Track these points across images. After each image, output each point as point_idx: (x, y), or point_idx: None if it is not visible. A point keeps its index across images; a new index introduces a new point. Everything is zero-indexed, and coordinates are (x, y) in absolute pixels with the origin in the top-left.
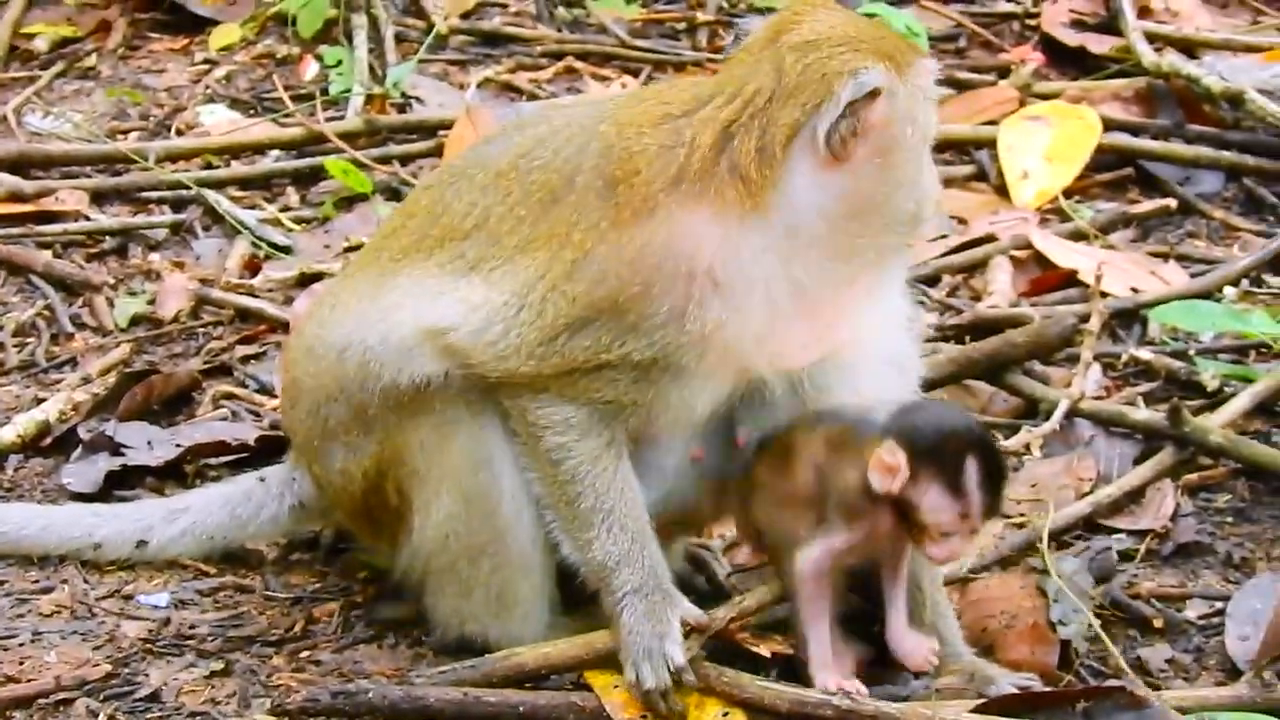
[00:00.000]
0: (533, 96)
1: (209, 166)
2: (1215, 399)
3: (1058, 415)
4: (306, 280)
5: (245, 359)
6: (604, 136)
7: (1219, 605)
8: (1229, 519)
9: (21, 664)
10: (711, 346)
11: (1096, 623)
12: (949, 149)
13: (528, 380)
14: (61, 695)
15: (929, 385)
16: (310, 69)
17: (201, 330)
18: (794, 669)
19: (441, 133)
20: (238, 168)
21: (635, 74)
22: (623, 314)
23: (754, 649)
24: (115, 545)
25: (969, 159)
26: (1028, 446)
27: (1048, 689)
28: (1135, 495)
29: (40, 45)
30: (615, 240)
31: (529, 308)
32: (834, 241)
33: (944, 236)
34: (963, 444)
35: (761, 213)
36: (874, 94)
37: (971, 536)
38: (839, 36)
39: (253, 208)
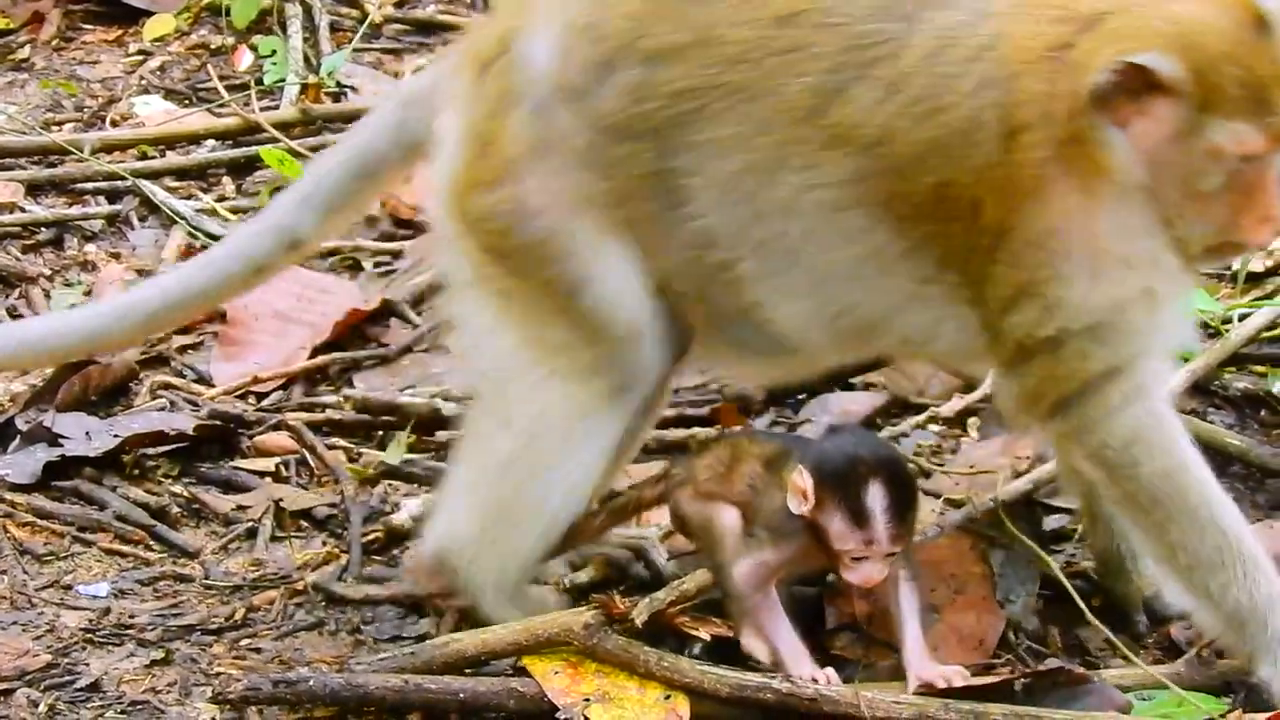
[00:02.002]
0: None
1: (144, 157)
2: None
3: (989, 382)
4: None
5: (182, 349)
6: None
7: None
8: None
9: None
10: None
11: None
12: None
13: None
14: (1, 685)
15: (859, 368)
16: (245, 59)
17: None
18: (732, 653)
19: None
20: (173, 158)
21: None
22: None
23: (693, 633)
24: None
25: None
26: (965, 425)
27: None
28: None
29: None
30: None
31: None
32: None
33: None
34: (867, 470)
35: None
36: None
37: (885, 561)
38: None
39: (189, 198)
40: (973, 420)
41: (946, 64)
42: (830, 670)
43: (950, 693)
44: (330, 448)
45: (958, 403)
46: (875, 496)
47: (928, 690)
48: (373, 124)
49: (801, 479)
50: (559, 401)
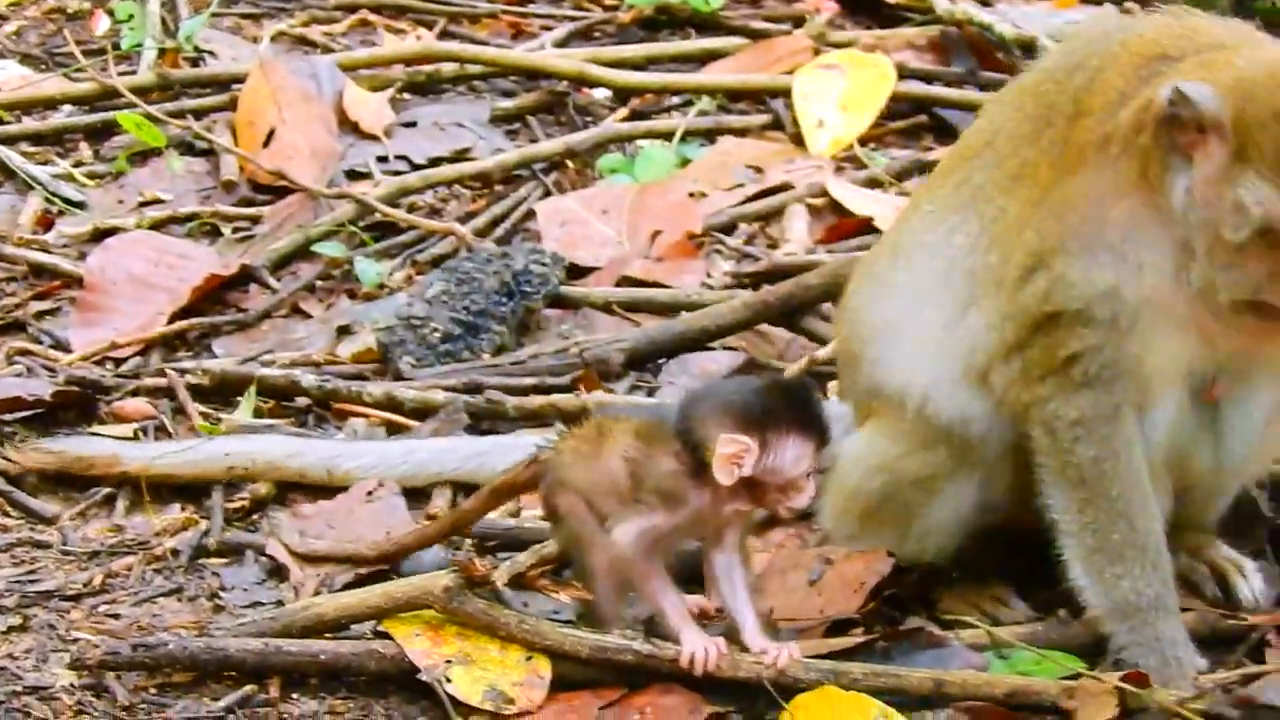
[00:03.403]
0: (326, 50)
1: (0, 123)
2: None
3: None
4: (100, 235)
5: (40, 315)
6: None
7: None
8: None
9: None
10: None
11: None
12: (744, 98)
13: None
14: None
15: (724, 330)
16: (102, 23)
17: None
18: (590, 616)
19: (235, 86)
20: (29, 123)
21: (430, 26)
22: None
23: (554, 595)
24: None
25: (765, 108)
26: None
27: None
28: None
29: None
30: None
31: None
32: None
33: (740, 186)
34: (778, 392)
35: None
36: None
37: (819, 469)
38: None
39: (45, 163)
40: (832, 384)
41: (1076, 58)
42: (722, 640)
43: (809, 651)
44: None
45: (808, 364)
46: (802, 405)
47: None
48: None
49: (734, 444)
50: None
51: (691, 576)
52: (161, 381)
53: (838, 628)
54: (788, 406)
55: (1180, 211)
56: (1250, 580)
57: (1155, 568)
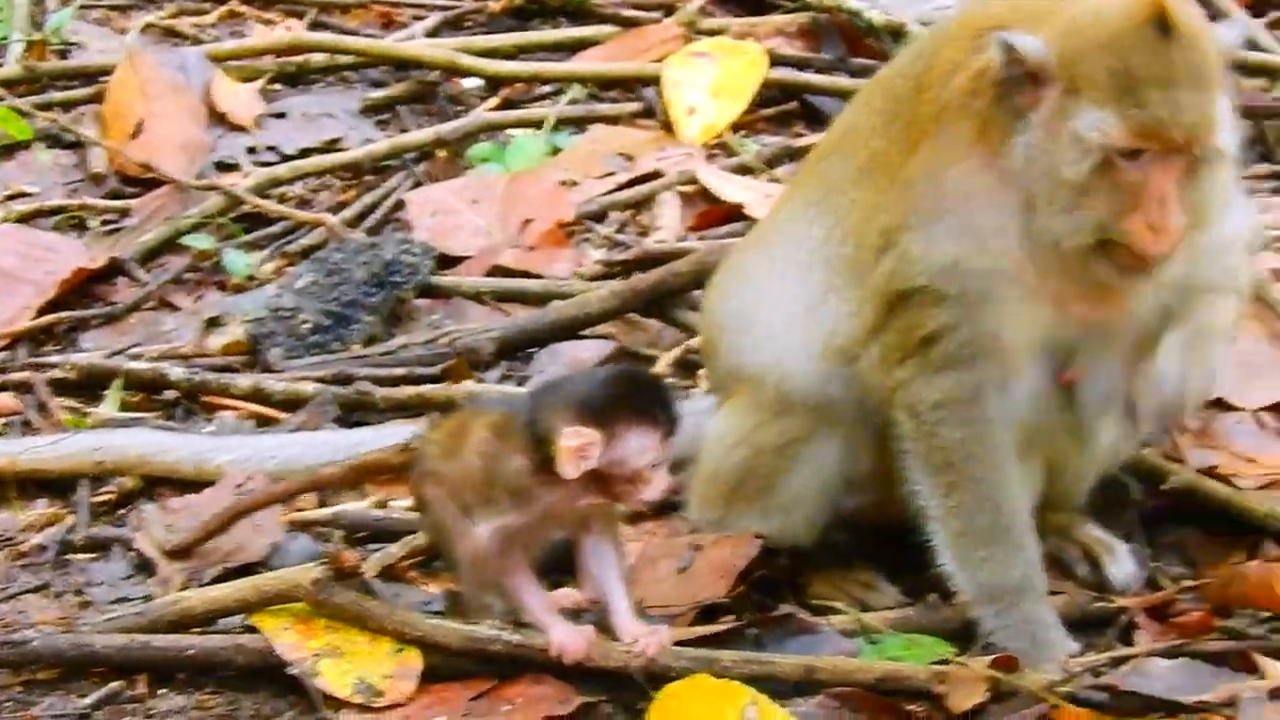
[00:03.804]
0: (196, 41)
1: None
2: None
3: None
4: None
5: None
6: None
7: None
8: None
9: None
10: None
11: None
12: (615, 86)
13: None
14: None
15: (595, 319)
16: None
17: None
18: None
19: (103, 79)
20: None
21: (300, 16)
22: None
23: (424, 587)
24: None
25: (636, 96)
26: (695, 375)
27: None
28: None
29: None
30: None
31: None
32: None
33: (611, 174)
34: (622, 383)
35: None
36: None
37: (668, 457)
38: None
39: None
40: (703, 370)
41: (918, 46)
42: (590, 629)
43: (680, 639)
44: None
45: (682, 352)
46: (645, 394)
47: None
48: None
49: (576, 436)
50: None
51: (566, 567)
52: (27, 376)
53: (709, 614)
54: (632, 397)
55: (1021, 169)
56: (1120, 562)
57: (1021, 550)
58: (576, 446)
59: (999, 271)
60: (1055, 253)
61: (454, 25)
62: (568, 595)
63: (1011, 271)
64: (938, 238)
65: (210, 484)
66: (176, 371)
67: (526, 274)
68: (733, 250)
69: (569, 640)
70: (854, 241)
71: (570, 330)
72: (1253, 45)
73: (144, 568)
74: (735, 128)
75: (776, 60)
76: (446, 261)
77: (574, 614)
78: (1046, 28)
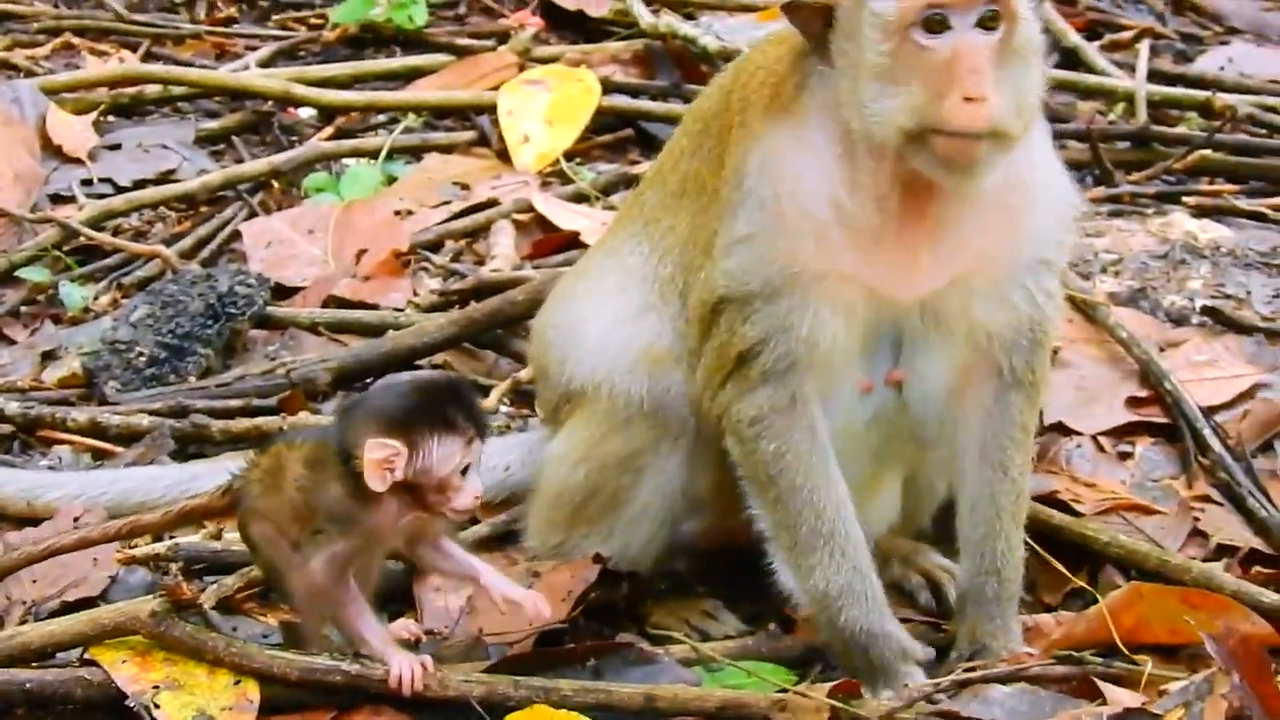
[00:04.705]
0: (29, 73)
1: None
2: None
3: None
4: None
5: None
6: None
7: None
8: None
9: None
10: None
11: None
12: (450, 115)
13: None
14: None
15: (431, 349)
16: None
17: None
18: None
19: None
20: None
21: (134, 48)
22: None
23: (262, 618)
24: None
25: (470, 125)
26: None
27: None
28: None
29: None
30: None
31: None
32: None
33: (447, 203)
34: (422, 392)
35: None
36: None
37: (478, 463)
38: None
39: None
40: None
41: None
42: (428, 658)
43: (519, 668)
44: None
45: (514, 383)
46: (447, 401)
47: (498, 667)
48: None
49: (381, 449)
50: None
51: (403, 598)
52: None
53: (546, 641)
54: (432, 405)
55: (825, 96)
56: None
57: (845, 554)
58: (380, 459)
59: (807, 262)
60: (872, 178)
61: (288, 55)
62: (404, 626)
63: (820, 253)
64: (739, 233)
65: (47, 519)
66: (12, 405)
67: (362, 304)
68: (559, 280)
69: (407, 670)
70: (672, 262)
71: (407, 360)
72: (1089, 69)
73: None
74: (570, 155)
75: (611, 87)
76: (282, 292)
77: (412, 644)
78: None
